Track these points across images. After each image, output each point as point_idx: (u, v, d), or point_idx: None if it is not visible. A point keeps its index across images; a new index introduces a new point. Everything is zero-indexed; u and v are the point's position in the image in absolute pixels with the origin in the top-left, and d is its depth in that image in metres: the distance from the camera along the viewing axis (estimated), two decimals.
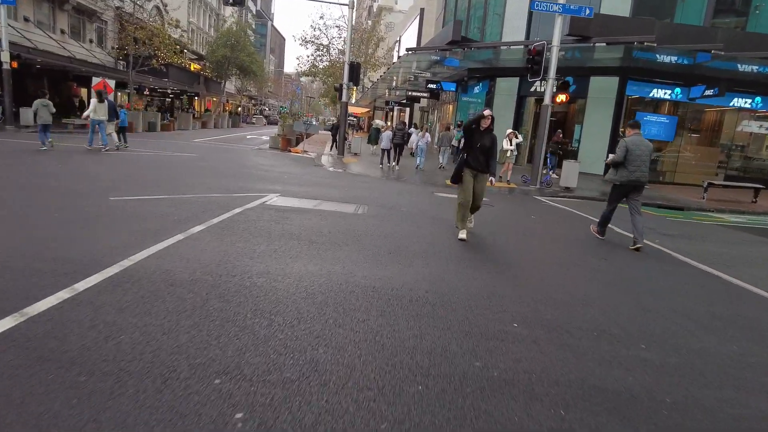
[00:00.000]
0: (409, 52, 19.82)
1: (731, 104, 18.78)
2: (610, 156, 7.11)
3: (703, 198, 15.61)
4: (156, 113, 30.81)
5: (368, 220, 7.72)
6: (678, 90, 18.39)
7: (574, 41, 15.66)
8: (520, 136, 15.54)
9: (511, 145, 14.93)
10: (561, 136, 17.20)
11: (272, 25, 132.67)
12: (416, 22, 41.68)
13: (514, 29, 20.35)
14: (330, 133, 24.35)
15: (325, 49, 32.14)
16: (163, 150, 17.17)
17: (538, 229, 8.92)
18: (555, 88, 14.34)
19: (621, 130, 18.37)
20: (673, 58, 16.51)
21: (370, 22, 39.07)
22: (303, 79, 53.73)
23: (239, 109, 78.93)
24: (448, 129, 22.31)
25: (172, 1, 41.74)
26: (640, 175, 6.77)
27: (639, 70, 17.87)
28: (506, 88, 21.58)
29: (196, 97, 52.29)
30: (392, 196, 10.67)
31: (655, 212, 12.50)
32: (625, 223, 8.11)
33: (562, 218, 10.20)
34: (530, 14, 20.05)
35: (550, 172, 16.09)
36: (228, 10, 60.91)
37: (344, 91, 21.10)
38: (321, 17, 46.72)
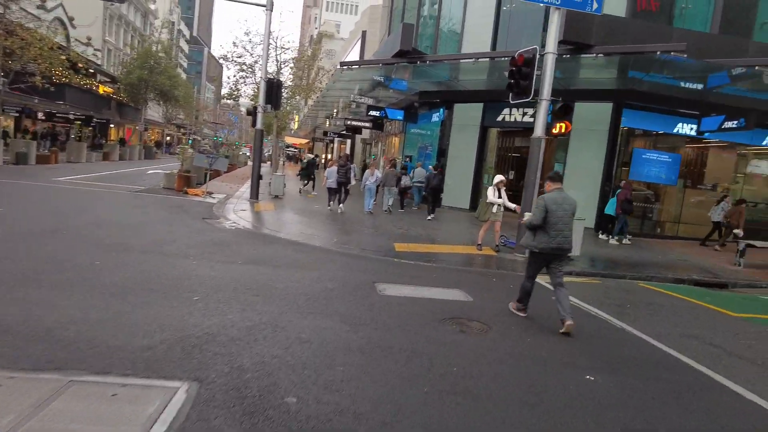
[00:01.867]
0: (345, 68, 15.21)
1: (764, 143, 15.17)
2: (526, 215, 6.39)
3: (739, 264, 11.56)
4: (29, 141, 24.37)
5: None
6: (686, 122, 14.66)
7: (568, 51, 11.45)
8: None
9: (499, 196, 10.35)
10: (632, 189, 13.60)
11: (209, 52, 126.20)
12: (358, 45, 37.63)
13: (475, 44, 16.16)
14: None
15: (249, 69, 27.05)
16: None
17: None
18: (550, 113, 9.96)
19: (617, 181, 14.32)
20: (685, 82, 12.76)
21: (310, 51, 34.67)
22: (231, 102, 48.09)
23: (168, 138, 71.96)
24: (393, 166, 17.69)
25: (82, 15, 35.68)
26: (562, 240, 5.57)
27: (638, 95, 13.97)
28: (467, 116, 17.27)
29: (111, 125, 45.68)
30: (293, 309, 5.56)
31: (696, 299, 8.14)
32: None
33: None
34: (497, 24, 15.98)
35: (624, 239, 13.44)
36: (156, 32, 54.86)
37: (259, 116, 16.05)
38: (246, 33, 39.82)
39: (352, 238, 10.70)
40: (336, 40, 58.68)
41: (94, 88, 39.10)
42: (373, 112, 19.30)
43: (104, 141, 40.94)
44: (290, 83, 28.89)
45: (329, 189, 15.14)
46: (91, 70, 36.09)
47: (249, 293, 5.79)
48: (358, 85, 20.21)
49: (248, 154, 66.65)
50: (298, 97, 31.91)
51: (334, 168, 15.06)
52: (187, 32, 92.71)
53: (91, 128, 39.79)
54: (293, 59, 28.09)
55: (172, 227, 10.07)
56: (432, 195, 15.71)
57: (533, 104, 15.50)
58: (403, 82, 18.27)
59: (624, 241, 13.44)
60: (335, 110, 28.99)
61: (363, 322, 5.19)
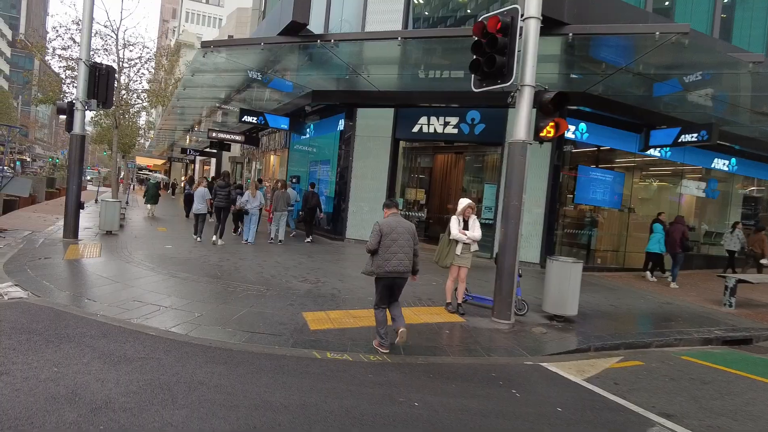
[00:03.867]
0: (209, 50, 10.66)
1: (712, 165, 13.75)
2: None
3: (730, 304, 9.39)
4: None
5: None
6: (628, 135, 12.66)
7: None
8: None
9: (465, 228, 6.90)
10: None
11: (45, 60, 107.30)
12: None
13: (382, 21, 12.66)
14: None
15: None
16: None
17: None
18: (540, 105, 6.69)
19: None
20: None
21: (166, 61, 28.73)
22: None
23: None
24: (285, 187, 13.54)
25: None
26: (397, 264, 5.30)
27: (589, 99, 11.56)
28: (374, 125, 13.68)
29: None
30: None
31: (738, 369, 5.30)
32: None
33: None
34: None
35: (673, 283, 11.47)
36: None
37: (77, 115, 10.80)
38: (76, 22, 26.97)
39: (231, 309, 6.29)
40: (196, 50, 52.16)
41: None
42: (248, 118, 14.75)
43: None
44: (138, 86, 22.96)
45: (197, 216, 12.52)
46: None
47: None
48: (224, 89, 15.61)
49: (89, 177, 56.20)
50: (147, 107, 25.91)
51: (202, 189, 12.68)
52: (8, 33, 77.53)
53: None
54: (140, 59, 22.10)
55: None
56: (310, 216, 13.82)
57: (461, 112, 12.68)
58: (286, 83, 14.16)
59: (672, 285, 11.44)
60: (197, 121, 23.65)
61: None
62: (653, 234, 11.76)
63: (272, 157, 22.76)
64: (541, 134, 6.76)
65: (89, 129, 46.69)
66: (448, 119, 12.74)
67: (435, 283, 8.96)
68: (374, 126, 13.67)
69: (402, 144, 13.96)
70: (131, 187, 35.29)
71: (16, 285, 6.85)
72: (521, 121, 6.64)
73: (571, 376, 5.03)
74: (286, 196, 13.05)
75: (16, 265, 8.07)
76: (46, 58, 23.11)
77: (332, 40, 9.60)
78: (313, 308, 6.66)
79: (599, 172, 12.59)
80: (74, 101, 10.86)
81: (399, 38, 9.07)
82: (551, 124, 6.70)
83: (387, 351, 5.35)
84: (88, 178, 55.51)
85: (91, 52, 15.37)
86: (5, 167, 13.92)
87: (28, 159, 77.80)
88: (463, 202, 7.15)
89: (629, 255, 13.50)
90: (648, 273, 12.19)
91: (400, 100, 13.21)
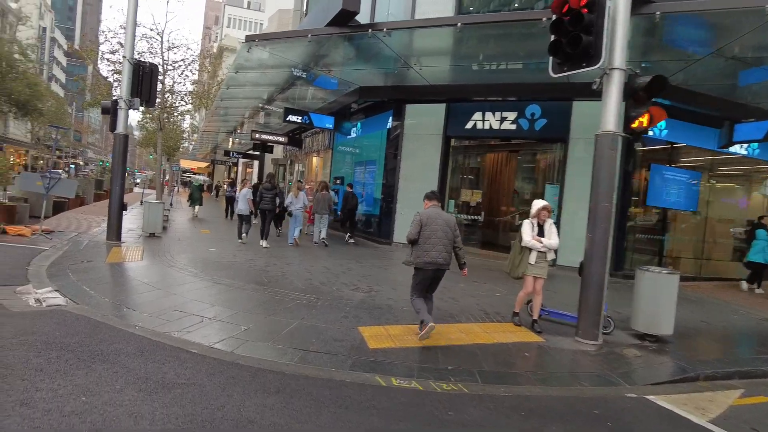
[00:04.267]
0: (255, 44, 10.11)
1: None
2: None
3: None
4: None
5: None
6: (709, 131, 11.41)
7: None
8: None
9: (540, 234, 6.09)
10: None
11: (95, 68, 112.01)
12: None
13: (433, 12, 11.80)
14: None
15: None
16: None
17: None
18: (631, 91, 5.76)
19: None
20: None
21: (209, 64, 28.90)
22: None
23: (41, 162, 60.87)
24: (327, 188, 13.04)
25: None
26: (436, 255, 5.31)
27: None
28: (424, 123, 12.91)
29: None
30: None
31: None
32: None
33: None
34: None
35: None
36: (9, 30, 45.28)
37: (120, 114, 10.52)
38: (123, 27, 26.89)
39: (280, 321, 5.64)
40: (240, 45, 52.67)
41: None
42: (292, 117, 14.24)
43: None
44: (182, 88, 23.01)
45: (240, 217, 12.40)
46: None
47: None
48: (267, 88, 15.15)
49: (137, 180, 57.76)
50: (191, 110, 26.06)
51: (246, 190, 12.52)
52: (64, 43, 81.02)
53: None
54: (184, 61, 22.05)
55: None
56: (350, 217, 13.89)
57: (520, 106, 11.60)
58: (331, 78, 13.54)
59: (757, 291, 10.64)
60: (239, 122, 23.51)
61: None
62: (756, 241, 10.45)
63: (314, 158, 22.32)
64: (633, 126, 5.83)
65: (137, 133, 48.10)
66: (505, 114, 11.82)
67: (498, 293, 8.11)
68: (424, 123, 12.88)
69: (452, 142, 13.10)
70: (176, 189, 35.77)
71: (56, 290, 6.45)
72: (610, 109, 5.72)
73: (692, 416, 4.10)
74: (327, 198, 12.59)
75: (58, 268, 7.74)
76: (98, 64, 23.54)
77: (384, 29, 8.89)
78: (369, 322, 5.94)
79: (674, 172, 11.39)
80: (118, 100, 10.58)
81: (458, 24, 8.24)
82: (645, 113, 5.75)
83: (430, 326, 5.33)
84: (137, 180, 57.19)
85: (137, 55, 15.37)
86: (53, 169, 13.89)
87: (82, 162, 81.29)
88: (538, 204, 6.28)
89: (708, 263, 12.18)
90: (745, 283, 10.87)
91: (452, 95, 12.38)
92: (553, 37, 5.88)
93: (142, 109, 24.69)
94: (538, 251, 6.09)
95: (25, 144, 51.93)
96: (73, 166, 71.72)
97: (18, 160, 52.40)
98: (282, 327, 5.46)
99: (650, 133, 10.52)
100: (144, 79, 10.76)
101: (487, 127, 12.08)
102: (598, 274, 5.74)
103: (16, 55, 35.14)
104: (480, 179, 14.48)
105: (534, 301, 6.30)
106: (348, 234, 13.90)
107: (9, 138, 49.75)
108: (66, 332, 4.71)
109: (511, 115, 11.76)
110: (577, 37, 5.53)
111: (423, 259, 5.34)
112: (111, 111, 10.54)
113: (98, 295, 6.30)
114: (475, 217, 13.11)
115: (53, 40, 73.27)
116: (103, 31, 23.62)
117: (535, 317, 6.26)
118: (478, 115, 12.15)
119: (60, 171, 12.00)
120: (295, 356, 4.65)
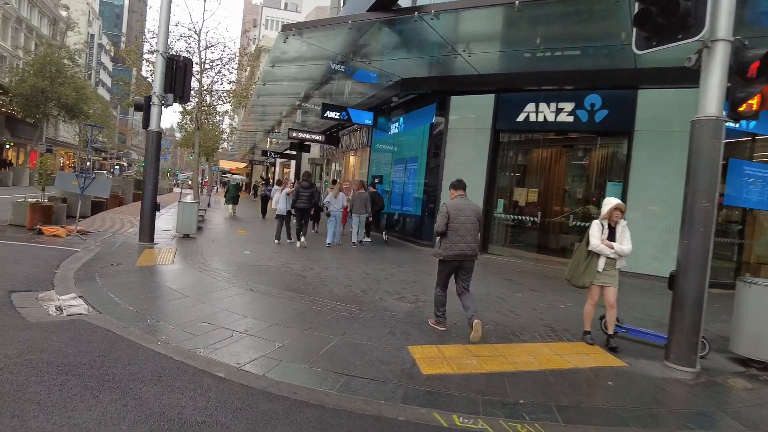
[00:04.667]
0: (290, 33, 9.49)
1: None
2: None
3: None
4: None
5: None
6: None
7: None
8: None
9: (611, 238, 5.17)
10: None
11: (139, 73, 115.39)
12: None
13: None
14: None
15: None
16: None
17: None
18: (739, 67, 4.77)
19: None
20: None
21: (246, 62, 28.83)
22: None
23: (87, 163, 63.13)
24: (364, 187, 12.41)
25: None
26: (465, 247, 5.28)
27: None
28: (471, 117, 12.03)
29: (6, 146, 37.67)
30: None
31: None
32: None
33: None
34: None
35: None
36: (59, 37, 46.81)
37: (153, 111, 10.13)
38: (177, 24, 29.02)
39: (318, 337, 4.95)
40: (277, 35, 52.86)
41: None
42: (330, 113, 13.63)
43: None
44: (220, 87, 22.83)
45: (278, 217, 12.08)
46: None
47: None
48: (304, 83, 14.55)
49: (177, 181, 58.87)
50: (229, 111, 25.89)
51: (286, 190, 12.14)
52: (110, 49, 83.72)
53: None
54: (221, 60, 21.81)
55: None
56: (376, 217, 13.75)
57: (577, 96, 10.50)
58: (370, 72, 12.83)
59: None
60: (276, 121, 23.16)
61: None
62: None
63: (352, 157, 21.71)
64: (740, 109, 4.82)
65: (177, 135, 48.86)
66: (561, 105, 10.83)
67: (562, 305, 7.18)
68: (470, 117, 12.01)
69: (502, 137, 12.16)
70: (214, 189, 35.98)
71: (79, 297, 5.99)
72: (712, 90, 4.74)
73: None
74: (364, 198, 11.95)
75: (87, 271, 7.32)
76: (141, 66, 23.71)
77: (432, 12, 8.09)
78: (419, 339, 5.17)
79: (757, 167, 10.09)
80: (151, 96, 10.19)
81: (516, 2, 7.35)
82: (757, 95, 4.74)
83: (444, 329, 5.45)
84: (179, 180, 58.30)
85: (175, 53, 15.13)
86: (88, 169, 13.74)
87: (125, 164, 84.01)
88: (610, 203, 5.36)
89: None
90: None
91: (502, 84, 11.44)
92: (639, 6, 4.95)
93: (179, 108, 24.85)
94: (608, 257, 5.18)
95: (74, 146, 53.70)
96: (117, 167, 74.12)
97: (67, 162, 54.35)
98: (321, 344, 4.76)
99: (733, 123, 9.31)
100: (177, 74, 10.35)
101: (540, 119, 11.10)
102: (695, 288, 4.77)
103: (65, 60, 36.22)
104: (533, 177, 13.37)
105: (608, 315, 5.39)
106: (384, 232, 14.20)
107: (59, 140, 51.58)
108: (78, 350, 4.14)
109: (568, 106, 10.75)
110: (674, 3, 4.59)
111: (452, 251, 5.33)
112: (144, 107, 10.18)
113: (123, 302, 5.77)
114: (532, 218, 12.04)
115: (100, 46, 75.71)
116: (141, 32, 23.72)
117: (610, 332, 5.35)
118: (530, 107, 11.20)
119: (87, 169, 11.97)
120: (337, 383, 3.93)
